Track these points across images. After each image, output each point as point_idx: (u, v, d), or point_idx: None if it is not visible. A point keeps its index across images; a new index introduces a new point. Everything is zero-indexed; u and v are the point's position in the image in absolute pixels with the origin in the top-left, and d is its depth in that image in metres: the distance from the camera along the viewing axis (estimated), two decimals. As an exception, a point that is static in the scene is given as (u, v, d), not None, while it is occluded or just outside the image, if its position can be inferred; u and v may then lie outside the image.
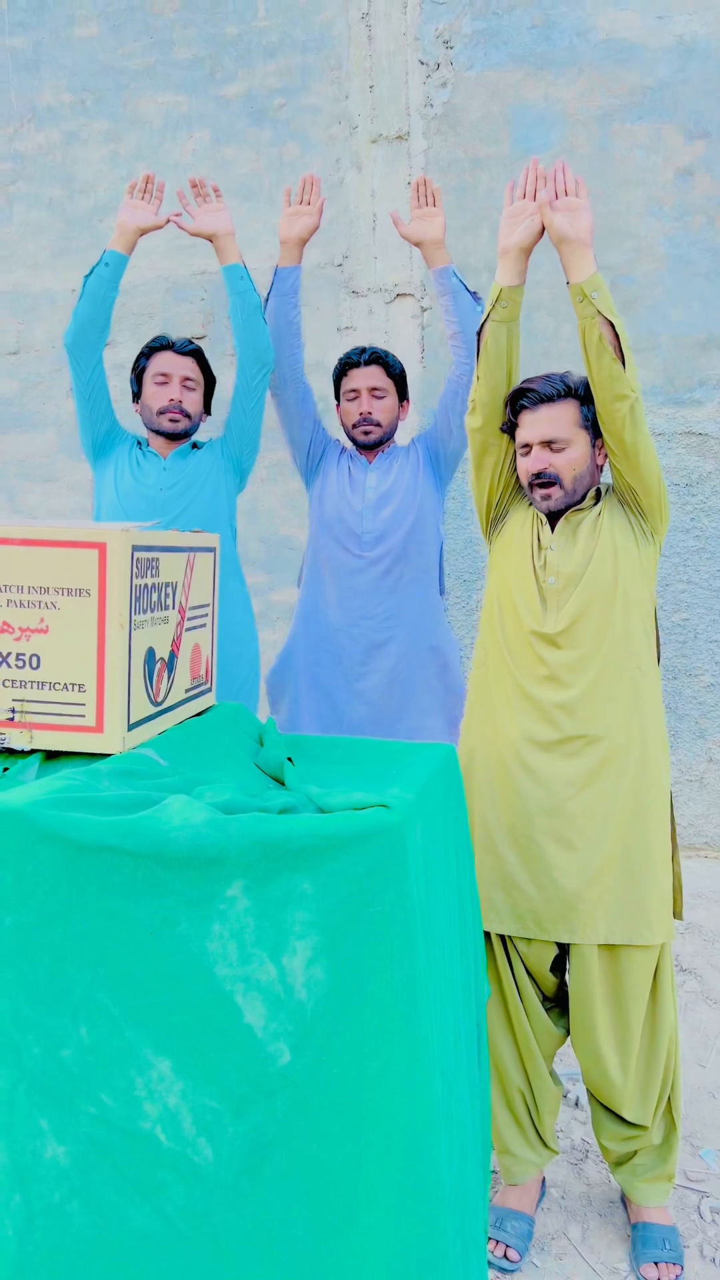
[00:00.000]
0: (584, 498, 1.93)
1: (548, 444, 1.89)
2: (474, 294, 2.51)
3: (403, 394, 2.69)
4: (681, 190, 3.82)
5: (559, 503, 1.91)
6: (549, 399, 1.89)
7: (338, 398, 2.70)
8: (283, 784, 1.51)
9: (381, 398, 2.63)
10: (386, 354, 2.65)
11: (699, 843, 4.00)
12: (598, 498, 1.94)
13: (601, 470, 1.97)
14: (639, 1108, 1.91)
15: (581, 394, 1.91)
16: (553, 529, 1.93)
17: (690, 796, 3.99)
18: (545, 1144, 2.01)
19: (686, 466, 3.89)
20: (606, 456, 1.94)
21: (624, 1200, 2.04)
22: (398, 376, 2.65)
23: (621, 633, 1.86)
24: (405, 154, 4.12)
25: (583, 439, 1.91)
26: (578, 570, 1.88)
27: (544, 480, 1.90)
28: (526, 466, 1.92)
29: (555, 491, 1.90)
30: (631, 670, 1.86)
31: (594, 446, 1.93)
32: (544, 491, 1.91)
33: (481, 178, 3.99)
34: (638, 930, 1.84)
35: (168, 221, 2.52)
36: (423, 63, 4.05)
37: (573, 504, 1.93)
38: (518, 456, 1.97)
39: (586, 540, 1.89)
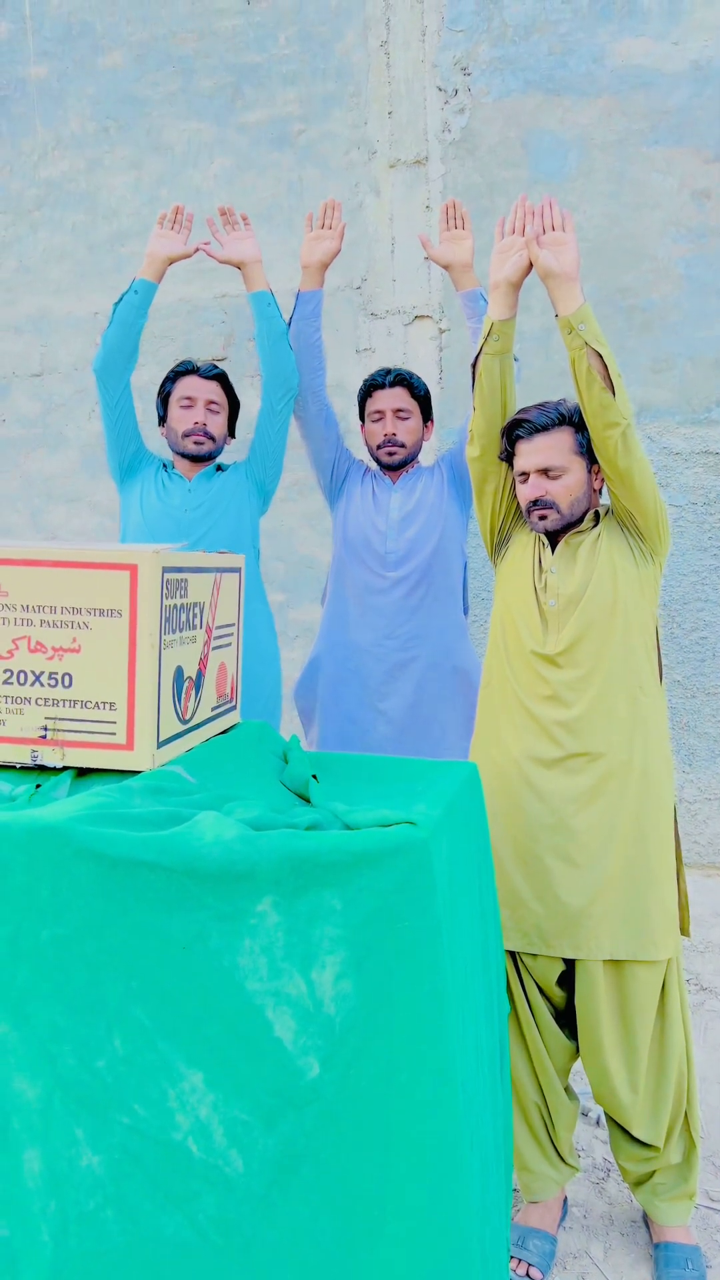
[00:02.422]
0: (582, 519, 1.98)
1: (544, 472, 1.94)
2: None
3: (427, 415, 2.72)
4: (699, 212, 3.85)
5: (556, 524, 1.96)
6: (544, 428, 1.94)
7: (362, 419, 2.74)
8: (308, 801, 1.53)
9: (406, 419, 2.66)
10: (411, 375, 2.68)
11: None
12: (596, 520, 1.98)
13: (599, 493, 2.01)
14: (650, 1127, 1.92)
15: (576, 421, 1.96)
16: (553, 551, 1.97)
17: (710, 815, 3.98)
18: (564, 1160, 2.01)
19: (705, 485, 3.91)
20: (603, 479, 1.98)
21: (646, 1220, 2.04)
22: (422, 398, 2.68)
23: (622, 652, 1.90)
24: (423, 179, 4.17)
25: (578, 465, 1.95)
26: (577, 592, 1.92)
27: (541, 505, 1.95)
28: (525, 494, 1.98)
29: (552, 514, 1.95)
30: (632, 689, 1.90)
31: (590, 471, 1.97)
32: (540, 512, 1.96)
33: (499, 202, 4.04)
34: (642, 946, 1.86)
35: (196, 250, 2.57)
36: (441, 89, 4.11)
37: (570, 525, 1.97)
38: (516, 484, 2.01)
39: (586, 562, 1.93)
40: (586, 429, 1.94)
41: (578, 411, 1.95)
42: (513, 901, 1.92)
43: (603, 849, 1.86)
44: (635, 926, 1.86)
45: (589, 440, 1.94)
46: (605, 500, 2.05)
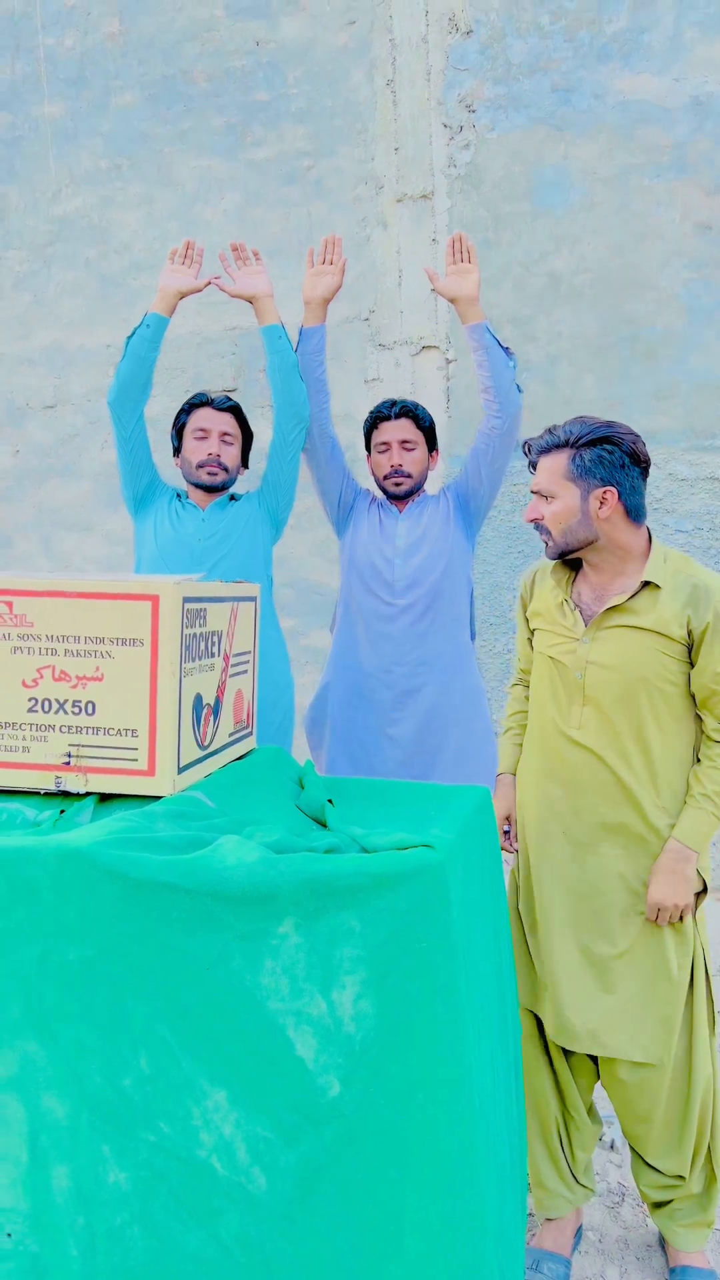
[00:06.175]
0: (576, 549, 1.94)
1: (539, 494, 1.93)
2: (507, 349, 2.58)
3: (432, 445, 2.76)
4: (701, 243, 3.92)
5: (552, 552, 1.95)
6: (544, 451, 1.92)
7: (369, 449, 2.78)
8: (324, 825, 1.56)
9: (411, 449, 2.70)
10: (416, 406, 2.73)
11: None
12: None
13: (599, 522, 1.90)
14: (673, 1157, 1.92)
15: (574, 443, 1.88)
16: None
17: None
18: (579, 1181, 2.02)
19: (711, 510, 3.95)
20: (604, 509, 1.89)
21: (661, 1243, 2.05)
22: (428, 429, 2.73)
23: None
24: (430, 212, 4.25)
25: (568, 491, 1.87)
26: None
27: (538, 528, 1.95)
28: (526, 513, 1.98)
29: (548, 539, 1.95)
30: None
31: (587, 498, 1.88)
32: (542, 535, 1.96)
33: (504, 235, 4.11)
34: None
35: (207, 284, 2.62)
36: (446, 125, 4.19)
37: (565, 554, 1.94)
38: None
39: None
40: (584, 451, 1.87)
41: (575, 434, 1.88)
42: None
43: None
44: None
45: (587, 463, 1.87)
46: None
